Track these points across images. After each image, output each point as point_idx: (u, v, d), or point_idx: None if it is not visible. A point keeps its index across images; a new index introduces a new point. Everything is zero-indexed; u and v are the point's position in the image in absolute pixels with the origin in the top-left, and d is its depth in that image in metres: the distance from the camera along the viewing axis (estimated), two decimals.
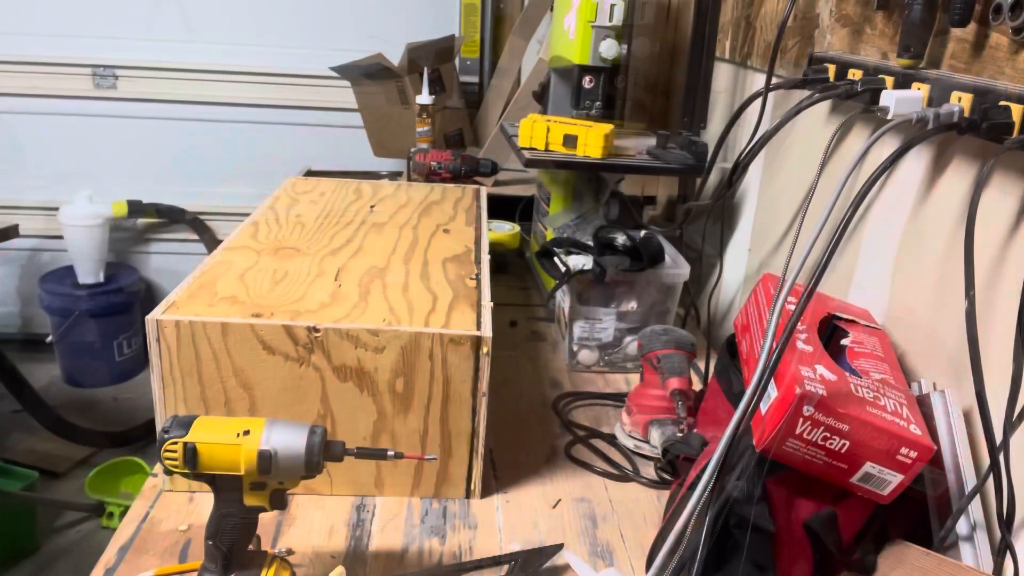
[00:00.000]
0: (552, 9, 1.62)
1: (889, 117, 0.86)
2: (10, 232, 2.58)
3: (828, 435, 0.75)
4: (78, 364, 2.92)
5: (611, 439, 1.14)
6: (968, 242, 0.78)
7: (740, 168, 1.22)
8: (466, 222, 1.29)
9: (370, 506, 0.96)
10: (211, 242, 2.90)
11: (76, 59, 2.81)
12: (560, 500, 1.00)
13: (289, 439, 0.71)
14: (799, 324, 0.86)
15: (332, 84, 2.55)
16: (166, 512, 0.92)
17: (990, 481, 0.77)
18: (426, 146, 1.89)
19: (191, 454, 0.70)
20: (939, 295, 0.91)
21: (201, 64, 2.80)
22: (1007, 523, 0.76)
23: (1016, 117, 0.75)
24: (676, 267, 1.31)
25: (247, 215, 1.25)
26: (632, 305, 1.32)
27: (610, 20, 1.34)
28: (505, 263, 1.77)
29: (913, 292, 0.96)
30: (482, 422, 0.94)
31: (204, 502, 0.93)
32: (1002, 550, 0.77)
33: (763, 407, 0.79)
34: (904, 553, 0.81)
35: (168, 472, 0.76)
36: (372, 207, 1.32)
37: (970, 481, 0.80)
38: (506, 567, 0.86)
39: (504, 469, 1.05)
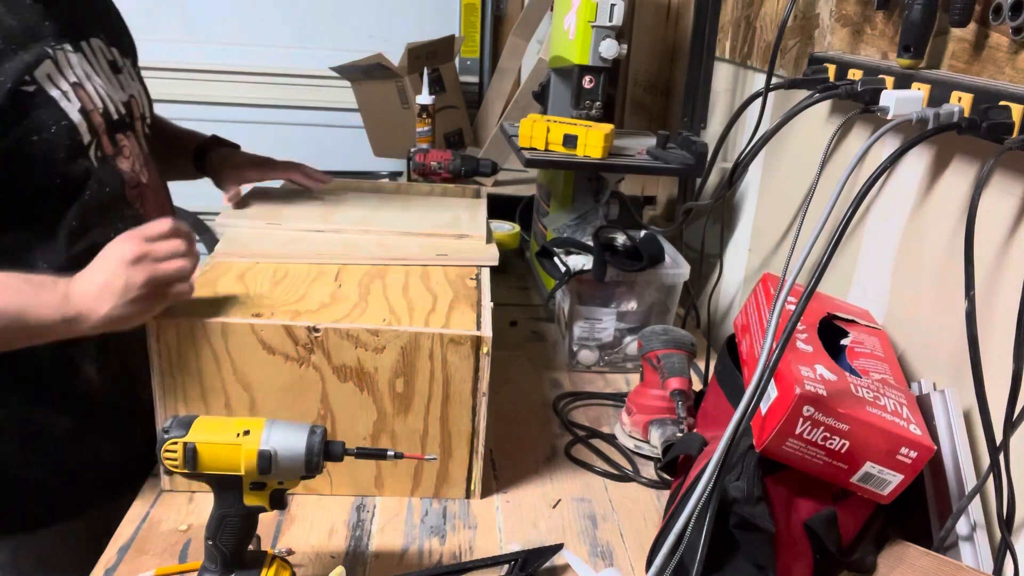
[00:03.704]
0: (552, 9, 1.62)
1: (889, 117, 0.86)
2: None
3: (828, 435, 0.75)
4: None
5: (611, 439, 1.14)
6: (968, 242, 0.78)
7: (740, 168, 1.22)
8: None
9: (370, 506, 0.96)
10: (211, 242, 2.89)
11: None
12: (560, 500, 1.00)
13: (289, 439, 0.71)
14: (799, 324, 0.86)
15: (332, 84, 2.55)
16: (166, 512, 0.92)
17: (990, 481, 0.77)
18: (426, 146, 1.89)
19: (191, 454, 0.70)
20: (939, 295, 0.91)
21: (201, 64, 2.80)
22: (1007, 523, 0.76)
23: (1016, 117, 0.75)
24: (676, 267, 1.31)
25: None
26: (632, 305, 1.31)
27: (610, 20, 1.34)
28: (505, 263, 1.77)
29: (913, 292, 0.96)
30: (482, 422, 0.94)
31: (204, 502, 0.93)
32: (1002, 550, 0.77)
33: (763, 407, 0.79)
34: (904, 553, 0.81)
35: (168, 472, 0.76)
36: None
37: (970, 481, 0.80)
38: (506, 567, 0.86)
39: (504, 469, 1.05)
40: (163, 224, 0.85)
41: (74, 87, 0.90)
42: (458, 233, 1.15)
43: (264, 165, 1.26)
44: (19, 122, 0.84)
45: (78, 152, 0.90)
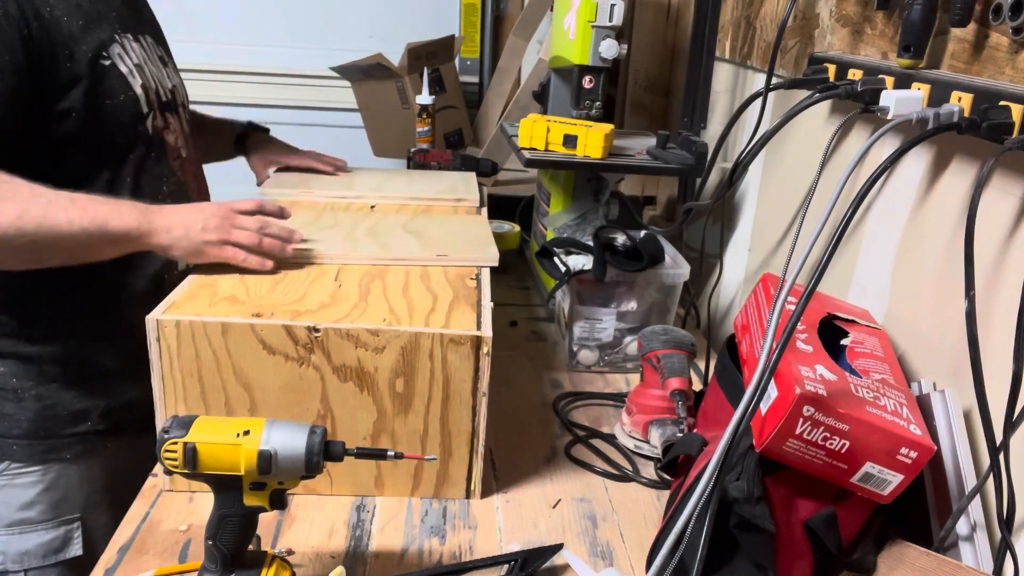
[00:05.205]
0: (552, 9, 1.62)
1: (889, 117, 0.86)
2: None
3: (828, 435, 0.75)
4: None
5: (611, 439, 1.14)
6: (968, 242, 0.78)
7: (740, 168, 1.22)
8: None
9: (370, 506, 0.96)
10: None
11: None
12: (560, 500, 1.00)
13: (289, 439, 0.71)
14: (799, 324, 0.86)
15: (332, 84, 2.54)
16: (166, 512, 0.92)
17: (990, 481, 0.77)
18: (426, 146, 1.89)
19: (191, 454, 0.70)
20: (939, 295, 0.91)
21: (201, 64, 2.79)
22: (1007, 523, 0.76)
23: (1016, 117, 0.75)
24: (676, 267, 1.31)
25: None
26: (632, 305, 1.31)
27: (610, 20, 1.34)
28: (505, 263, 1.76)
29: (913, 292, 0.96)
30: (482, 422, 0.94)
31: (204, 502, 0.93)
32: (1002, 550, 0.77)
33: (763, 407, 0.79)
34: (904, 553, 0.81)
35: (168, 472, 0.76)
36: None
37: (970, 481, 0.80)
38: (506, 567, 0.86)
39: (504, 469, 1.05)
40: (251, 202, 1.03)
41: (136, 68, 1.09)
42: (456, 198, 1.34)
43: (290, 152, 1.50)
44: (96, 88, 1.03)
45: (138, 120, 1.09)
